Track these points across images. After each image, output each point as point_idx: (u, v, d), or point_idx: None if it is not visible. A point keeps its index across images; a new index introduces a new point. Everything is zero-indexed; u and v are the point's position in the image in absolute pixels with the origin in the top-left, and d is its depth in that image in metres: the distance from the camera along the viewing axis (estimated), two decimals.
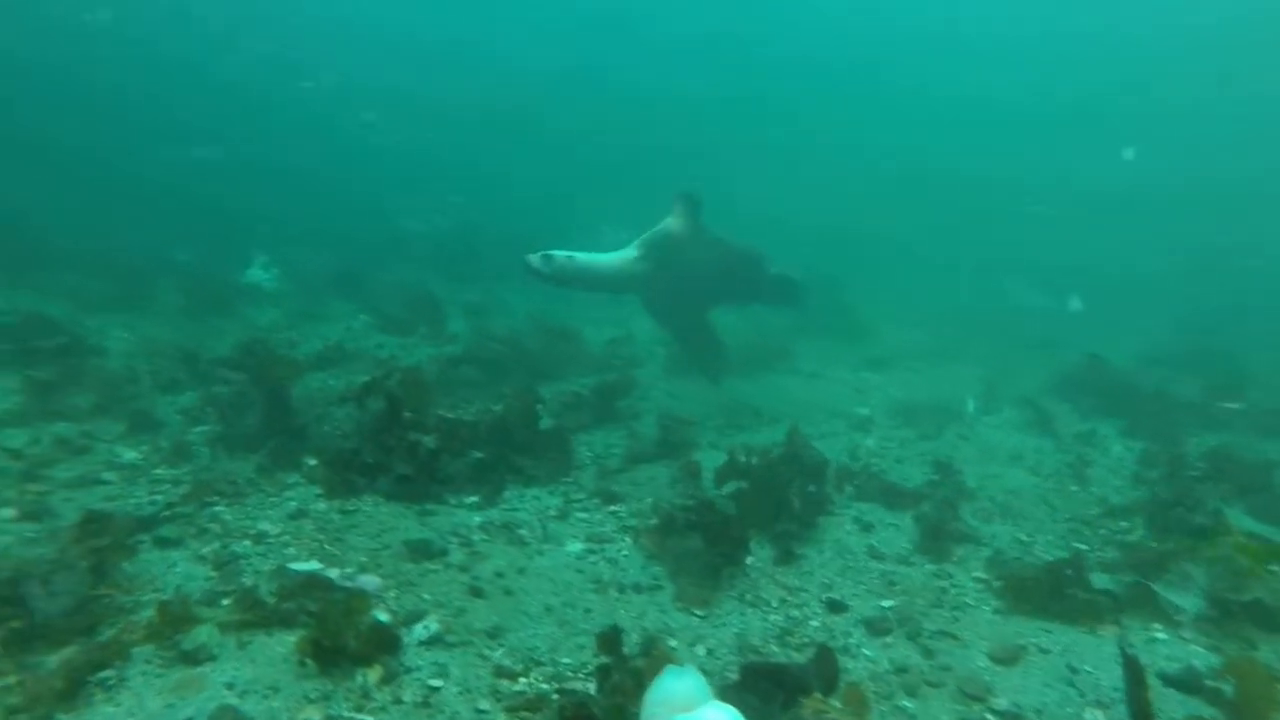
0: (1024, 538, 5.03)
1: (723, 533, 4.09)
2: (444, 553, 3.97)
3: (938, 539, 4.72)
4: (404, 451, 4.88)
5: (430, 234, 18.48)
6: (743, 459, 5.02)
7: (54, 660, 2.88)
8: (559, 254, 6.56)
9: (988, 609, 3.97)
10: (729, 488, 4.91)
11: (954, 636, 3.65)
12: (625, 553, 4.18)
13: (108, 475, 4.74)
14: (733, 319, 12.10)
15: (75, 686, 2.68)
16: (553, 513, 4.64)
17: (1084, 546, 4.86)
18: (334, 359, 8.07)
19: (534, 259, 6.49)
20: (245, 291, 12.54)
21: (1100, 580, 4.17)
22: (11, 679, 2.75)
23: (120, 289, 11.32)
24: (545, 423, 5.56)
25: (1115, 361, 9.68)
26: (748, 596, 3.92)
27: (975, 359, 11.05)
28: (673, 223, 7.03)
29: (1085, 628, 3.79)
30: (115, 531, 3.65)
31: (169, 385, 6.73)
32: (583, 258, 6.68)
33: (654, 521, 4.48)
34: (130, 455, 5.13)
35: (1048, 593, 3.89)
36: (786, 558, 4.35)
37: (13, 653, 2.83)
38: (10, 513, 4.08)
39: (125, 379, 6.57)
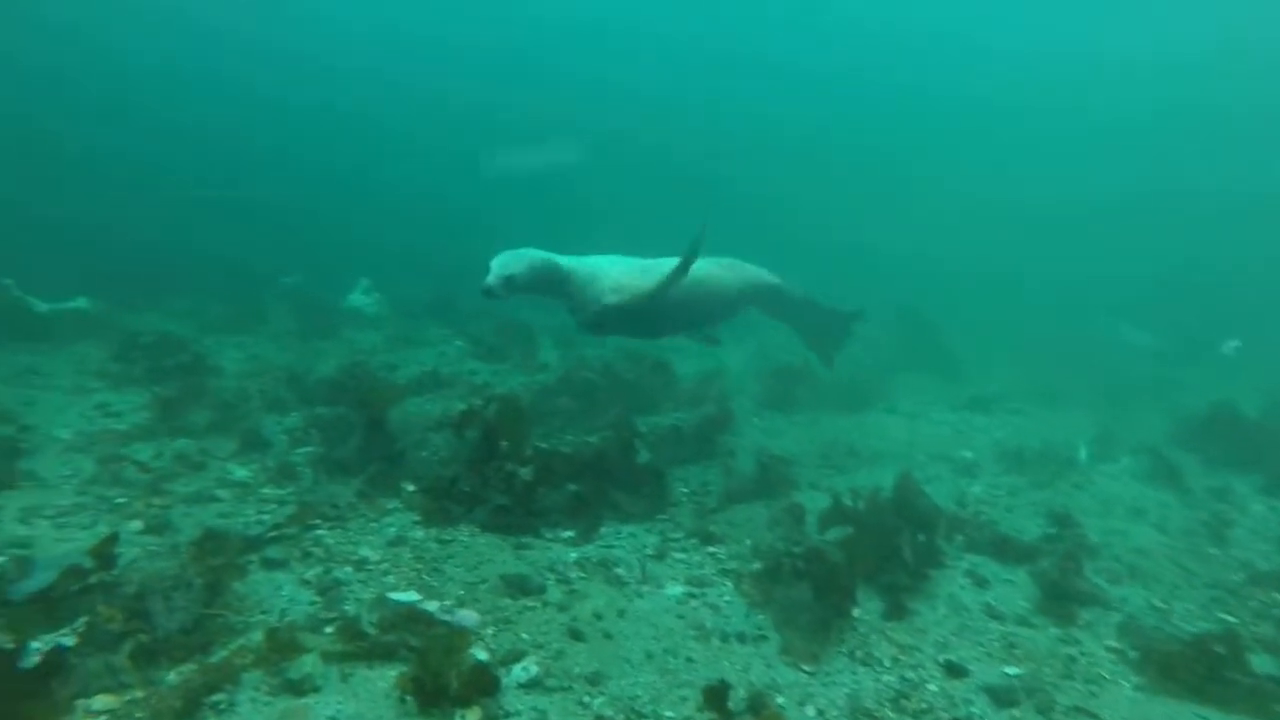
0: (1159, 604, 4.59)
1: (831, 582, 3.88)
2: (542, 590, 3.89)
3: (1060, 599, 4.36)
4: (501, 482, 4.86)
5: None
6: (849, 503, 4.80)
7: (173, 676, 2.93)
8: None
9: (1127, 685, 3.61)
10: (833, 533, 4.69)
11: (1093, 715, 3.32)
12: (727, 598, 4.01)
13: (221, 492, 4.90)
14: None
15: (192, 708, 2.70)
16: (650, 552, 4.51)
17: (1233, 619, 4.39)
18: (430, 384, 8.22)
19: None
20: (348, 315, 13.04)
21: (1261, 663, 3.74)
22: (138, 693, 2.81)
23: (236, 311, 11.96)
24: (643, 457, 5.46)
25: (1245, 407, 8.92)
26: (858, 653, 3.68)
27: (1086, 402, 10.40)
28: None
29: (1249, 718, 3.39)
30: (228, 551, 3.73)
31: (276, 405, 6.98)
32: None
33: (756, 566, 4.29)
34: (241, 473, 5.30)
35: (1198, 672, 3.51)
36: (897, 612, 4.08)
37: (140, 665, 2.89)
38: (137, 525, 4.25)
39: (238, 398, 6.84)
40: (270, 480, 5.20)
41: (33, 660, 2.50)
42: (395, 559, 4.13)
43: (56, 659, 2.55)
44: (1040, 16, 35.46)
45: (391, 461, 5.33)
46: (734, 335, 13.25)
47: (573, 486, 5.06)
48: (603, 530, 4.82)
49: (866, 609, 4.07)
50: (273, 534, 4.17)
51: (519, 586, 3.87)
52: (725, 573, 4.32)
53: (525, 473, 4.87)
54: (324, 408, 6.95)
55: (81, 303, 10.92)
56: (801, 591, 3.89)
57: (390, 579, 3.89)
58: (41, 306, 10.33)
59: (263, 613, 3.48)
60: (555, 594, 3.88)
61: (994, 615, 4.20)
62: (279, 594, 3.66)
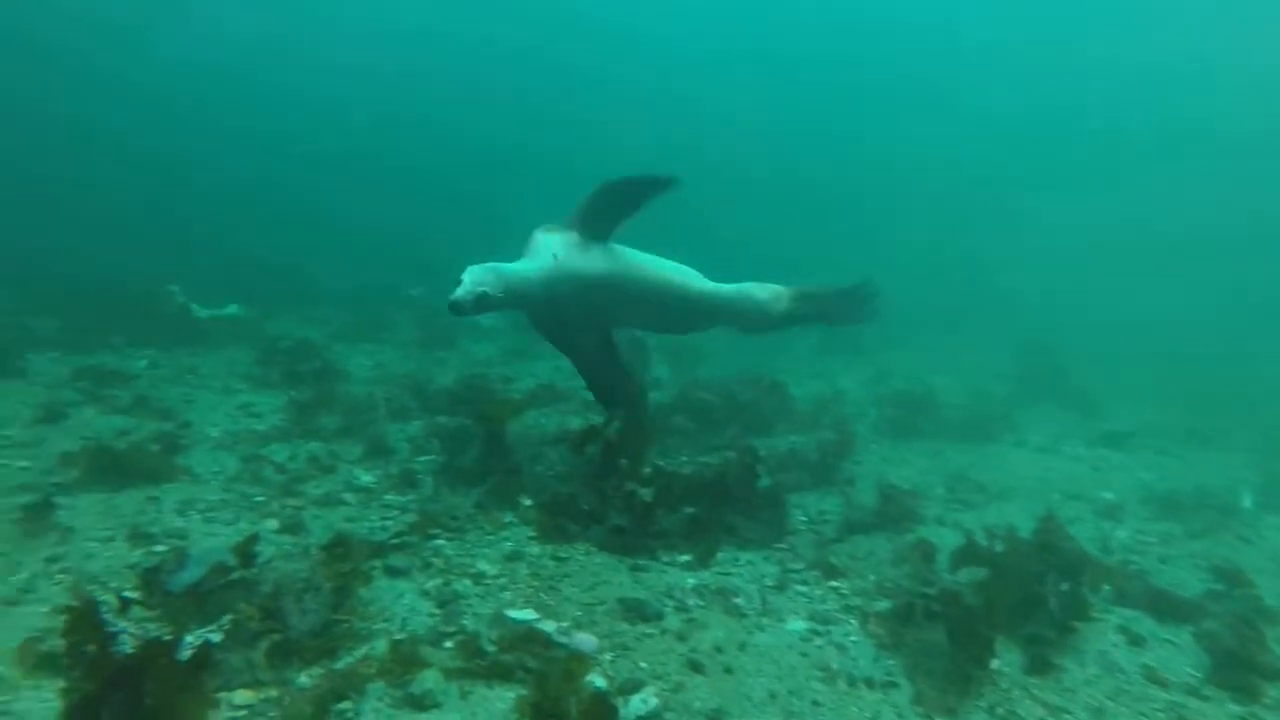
0: None
1: (968, 629, 3.59)
2: (660, 616, 3.79)
3: (1238, 670, 3.87)
4: (619, 501, 4.81)
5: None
6: (983, 542, 4.46)
7: (303, 679, 3.00)
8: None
9: None
10: (966, 574, 4.37)
11: None
12: (853, 638, 3.78)
13: (348, 496, 5.07)
14: (947, 379, 11.32)
15: (321, 714, 2.76)
16: (770, 582, 4.33)
17: None
18: (545, 398, 8.31)
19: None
20: (466, 327, 13.45)
21: None
22: (273, 692, 2.90)
23: (365, 320, 12.57)
24: (764, 481, 5.29)
25: None
26: (999, 710, 3.38)
27: (1243, 444, 9.43)
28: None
29: None
30: (355, 556, 3.83)
31: (400, 413, 7.22)
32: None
33: (883, 605, 4.04)
34: (366, 478, 5.48)
35: None
36: (1042, 667, 3.74)
37: (274, 664, 2.98)
38: (273, 524, 4.44)
39: (365, 405, 7.11)
40: (393, 487, 5.35)
41: (186, 653, 2.60)
42: (512, 574, 4.13)
43: (205, 653, 2.65)
44: (1166, 32, 33.13)
45: (509, 475, 5.39)
46: (849, 358, 12.86)
47: (690, 509, 4.96)
48: (720, 556, 4.67)
49: (1006, 661, 3.75)
50: (395, 541, 4.26)
51: (637, 611, 3.78)
52: (849, 609, 4.09)
53: (645, 493, 4.80)
54: (444, 417, 7.15)
55: (234, 309, 11.77)
56: (935, 636, 3.62)
57: (507, 595, 3.88)
58: (202, 312, 11.20)
59: (385, 620, 3.54)
60: (674, 622, 3.77)
61: (1156, 681, 3.78)
62: (400, 602, 3.71)
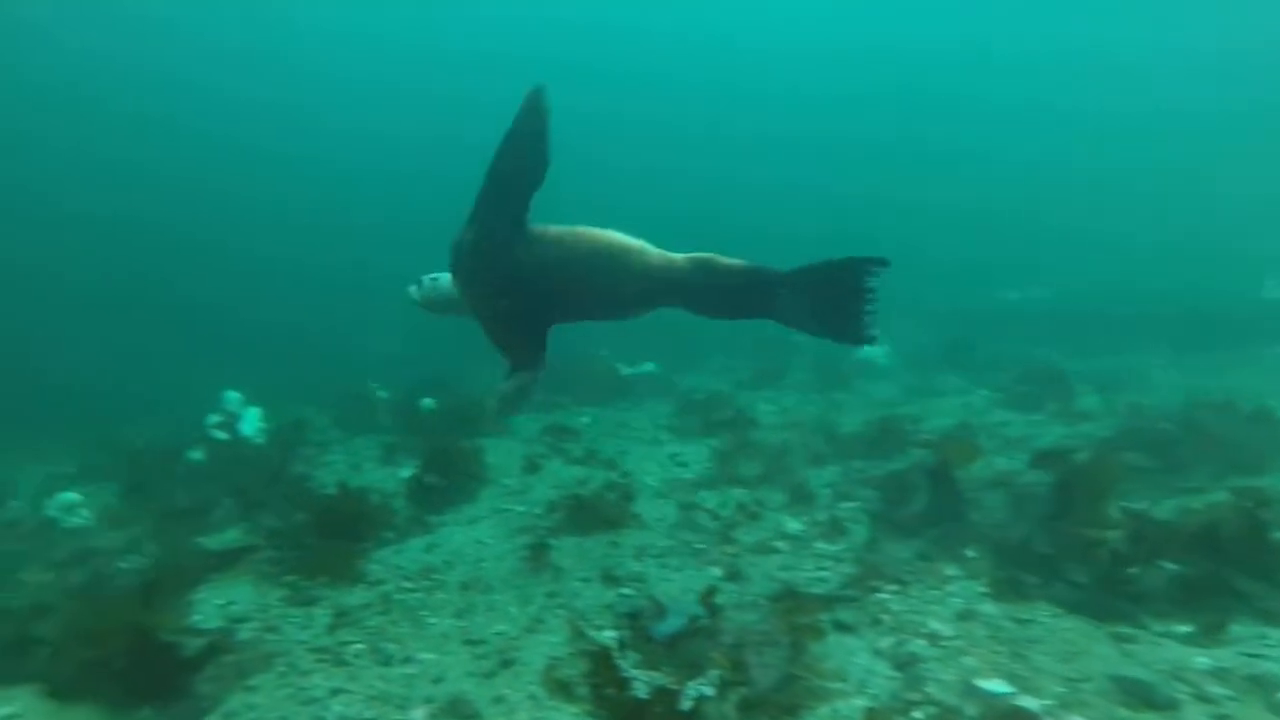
0: None
1: None
2: (1173, 705, 3.10)
3: None
4: (1079, 552, 4.14)
5: (1031, 305, 17.34)
6: None
7: None
8: None
9: None
10: None
11: None
12: None
13: (779, 544, 5.16)
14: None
15: None
16: None
17: None
18: (960, 438, 7.66)
19: None
20: (860, 367, 13.21)
21: None
22: None
23: (763, 366, 13.07)
24: (1277, 534, 4.13)
25: None
26: None
27: None
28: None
29: None
30: (806, 609, 3.82)
31: (815, 459, 7.23)
32: None
33: None
34: (793, 525, 5.54)
35: None
36: None
37: (743, 719, 3.07)
38: (716, 572, 4.70)
39: (779, 451, 7.27)
40: (821, 535, 5.31)
41: (687, 703, 2.79)
42: (969, 636, 3.75)
43: (701, 704, 2.81)
44: None
45: (955, 523, 4.99)
46: None
47: (1172, 565, 4.07)
48: (1233, 630, 3.72)
49: None
50: (839, 594, 4.17)
51: (1140, 695, 3.14)
52: None
53: (1115, 537, 4.06)
54: (860, 461, 6.99)
55: (650, 366, 13.14)
56: None
57: (969, 660, 3.53)
58: (626, 370, 12.73)
59: (841, 680, 3.44)
60: (1194, 713, 3.05)
61: None
62: (854, 661, 3.59)
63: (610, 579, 4.58)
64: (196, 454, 7.66)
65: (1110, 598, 3.98)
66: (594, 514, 5.48)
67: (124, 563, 5.50)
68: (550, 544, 5.12)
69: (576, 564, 4.86)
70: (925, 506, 5.08)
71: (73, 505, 6.28)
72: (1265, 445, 6.36)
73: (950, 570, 4.51)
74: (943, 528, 4.90)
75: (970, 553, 4.69)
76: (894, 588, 4.33)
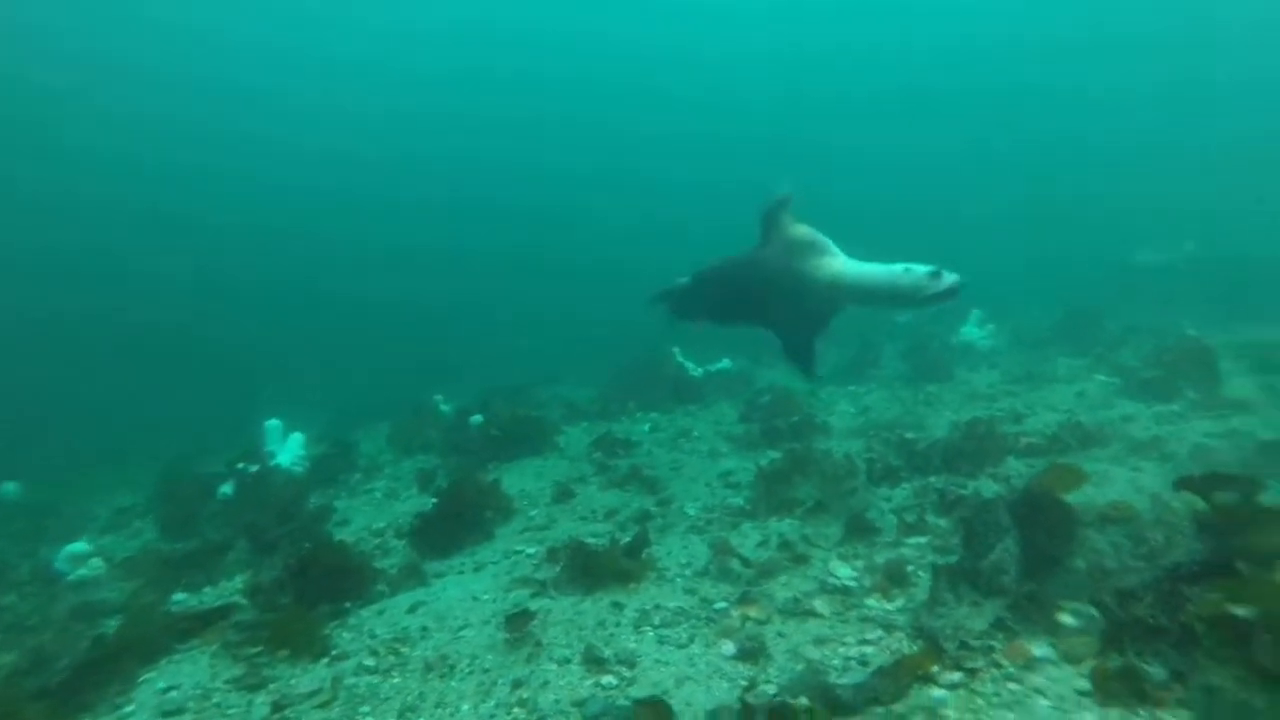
0: None
1: None
2: None
3: None
4: (1210, 639, 2.92)
5: (1174, 266, 14.94)
6: None
7: None
8: None
9: None
10: None
11: None
12: None
13: (820, 602, 4.12)
14: None
15: None
16: None
17: None
18: (1073, 442, 6.31)
19: None
20: (961, 351, 11.72)
21: None
22: None
23: (852, 357, 11.79)
24: None
25: None
26: None
27: None
28: None
29: None
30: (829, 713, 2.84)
31: (885, 474, 6.09)
32: None
33: None
34: (844, 573, 4.48)
35: None
36: None
37: None
38: (729, 648, 3.74)
39: (844, 468, 6.16)
40: (877, 586, 4.25)
41: None
42: None
43: None
44: None
45: (1046, 576, 3.82)
46: None
47: None
48: None
49: None
50: (866, 695, 3.13)
51: None
52: None
53: (1242, 611, 2.83)
54: (937, 478, 5.80)
55: (725, 363, 12.16)
56: None
57: None
58: (696, 371, 11.81)
59: None
60: None
61: None
62: None
63: (594, 661, 3.71)
64: (227, 488, 7.37)
65: (1277, 709, 2.76)
66: (602, 568, 4.63)
67: (110, 623, 5.13)
68: (540, 607, 4.31)
69: (562, 635, 4.02)
70: (1010, 553, 3.91)
71: (81, 556, 6.04)
72: None
73: (1039, 650, 3.37)
74: (1034, 583, 3.74)
75: (1068, 619, 3.53)
76: (955, 677, 3.25)
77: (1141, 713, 2.91)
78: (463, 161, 39.22)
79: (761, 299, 5.24)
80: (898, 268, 4.56)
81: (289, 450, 8.27)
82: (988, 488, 5.27)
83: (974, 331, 12.00)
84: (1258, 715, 2.71)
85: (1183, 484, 3.38)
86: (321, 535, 6.04)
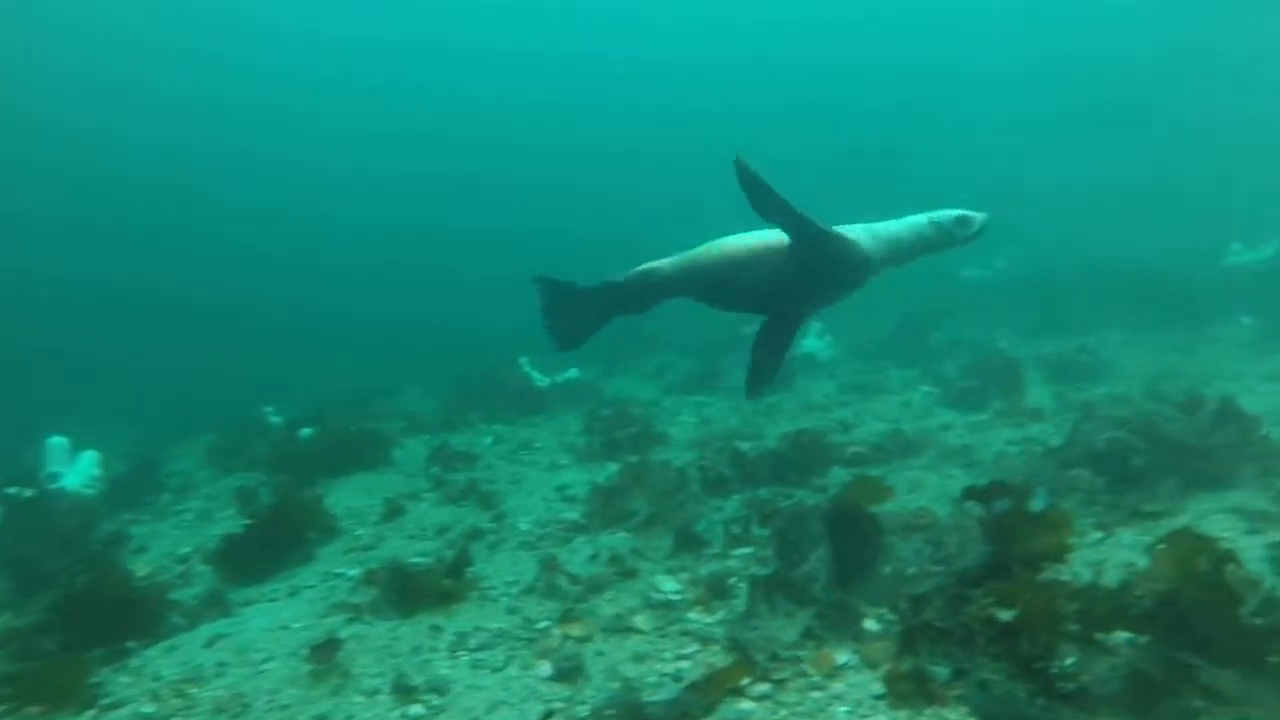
0: None
1: None
2: None
3: None
4: (984, 638, 3.12)
5: (995, 282, 16.28)
6: None
7: None
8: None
9: None
10: None
11: None
12: None
13: (641, 619, 4.10)
14: None
15: None
16: None
17: None
18: (894, 450, 6.69)
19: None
20: (802, 362, 12.21)
21: None
22: None
23: (698, 368, 12.01)
24: (1251, 606, 3.13)
25: None
26: None
27: None
28: None
29: None
30: None
31: (717, 485, 6.20)
32: None
33: None
34: (669, 587, 4.49)
35: None
36: None
37: None
38: (545, 669, 3.63)
39: (678, 481, 6.20)
40: (699, 600, 4.28)
41: None
42: None
43: None
44: None
45: (855, 583, 3.97)
46: None
47: (1126, 640, 3.10)
48: None
49: None
50: (679, 711, 3.12)
51: None
52: None
53: (1005, 615, 3.06)
54: (767, 490, 5.97)
55: (573, 373, 12.03)
56: None
57: None
58: (542, 381, 11.59)
59: None
60: None
61: None
62: None
63: (403, 690, 3.50)
64: None
65: (1047, 699, 2.98)
66: (423, 589, 4.40)
67: None
68: (354, 633, 4.04)
69: (373, 663, 3.78)
70: (822, 563, 4.05)
71: None
72: (1230, 452, 5.38)
73: (842, 657, 3.49)
74: (842, 591, 3.88)
75: (872, 625, 3.68)
76: (764, 689, 3.30)
77: (928, 712, 3.06)
78: (316, 167, 37.16)
79: (772, 291, 4.53)
80: (920, 220, 4.20)
81: (79, 470, 7.39)
82: (810, 497, 5.46)
83: (814, 343, 12.56)
84: (1020, 704, 2.91)
85: (968, 494, 3.61)
86: (109, 566, 5.40)
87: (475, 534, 5.76)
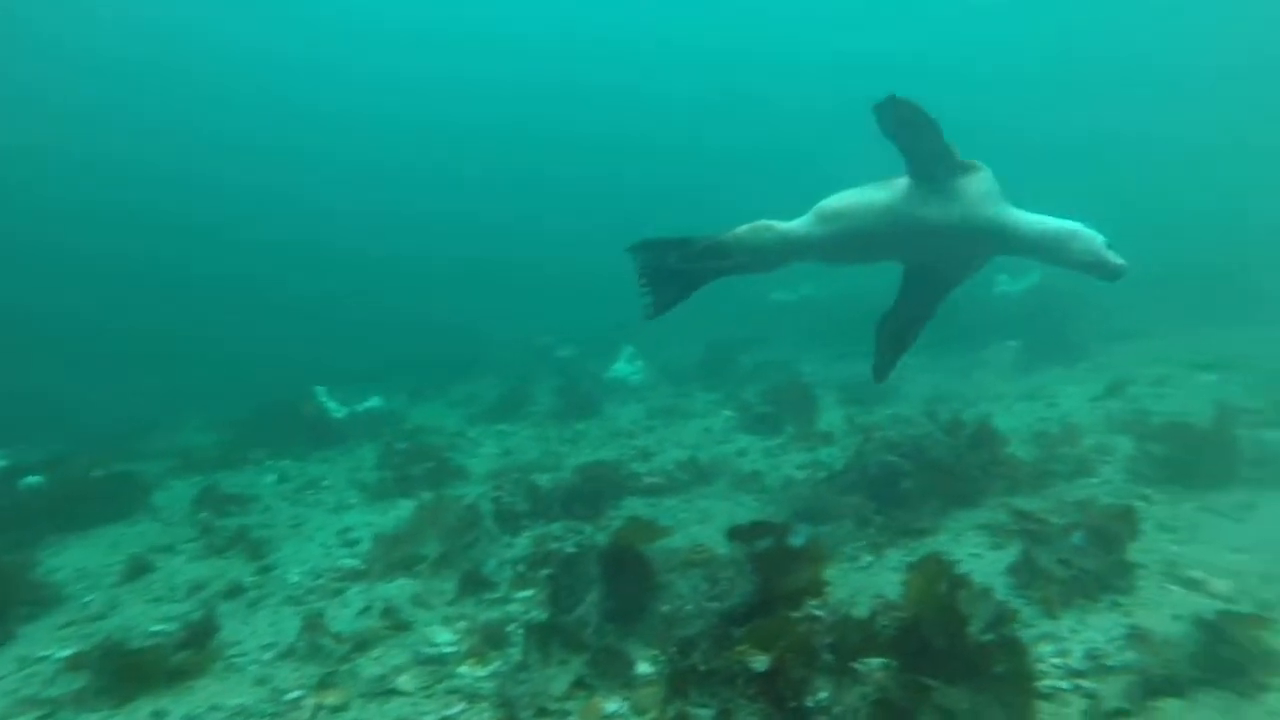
0: None
1: None
2: None
3: None
4: (743, 679, 3.13)
5: (801, 305, 17.23)
6: None
7: None
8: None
9: None
10: None
11: None
12: None
13: (405, 680, 3.78)
14: (1217, 376, 8.38)
15: None
16: None
17: None
18: (689, 480, 6.78)
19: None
20: (612, 387, 12.27)
21: None
22: None
23: (505, 393, 11.69)
24: (977, 625, 3.37)
25: None
26: None
27: None
28: None
29: None
30: None
31: (509, 519, 5.97)
32: None
33: None
34: (443, 639, 4.19)
35: None
36: None
37: None
38: None
39: (471, 516, 5.91)
40: (473, 651, 4.02)
41: None
42: None
43: None
44: None
45: (627, 626, 3.88)
46: (1065, 366, 10.16)
47: (879, 668, 3.22)
48: None
49: None
50: None
51: None
52: None
53: (760, 662, 3.10)
54: (559, 525, 5.82)
55: (375, 402, 11.34)
56: None
57: None
58: (339, 412, 10.79)
59: None
60: None
61: None
62: None
63: None
64: None
65: None
66: (151, 668, 3.81)
67: None
68: None
69: None
70: (594, 606, 3.94)
71: None
72: (981, 471, 5.89)
73: (612, 705, 3.39)
74: (615, 635, 3.79)
75: (645, 668, 3.61)
76: None
77: None
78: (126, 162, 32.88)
79: (912, 244, 4.71)
80: (1070, 225, 4.21)
81: None
82: (596, 535, 5.37)
83: (625, 367, 12.68)
84: None
85: (732, 535, 3.65)
86: None
87: (234, 590, 5.15)
